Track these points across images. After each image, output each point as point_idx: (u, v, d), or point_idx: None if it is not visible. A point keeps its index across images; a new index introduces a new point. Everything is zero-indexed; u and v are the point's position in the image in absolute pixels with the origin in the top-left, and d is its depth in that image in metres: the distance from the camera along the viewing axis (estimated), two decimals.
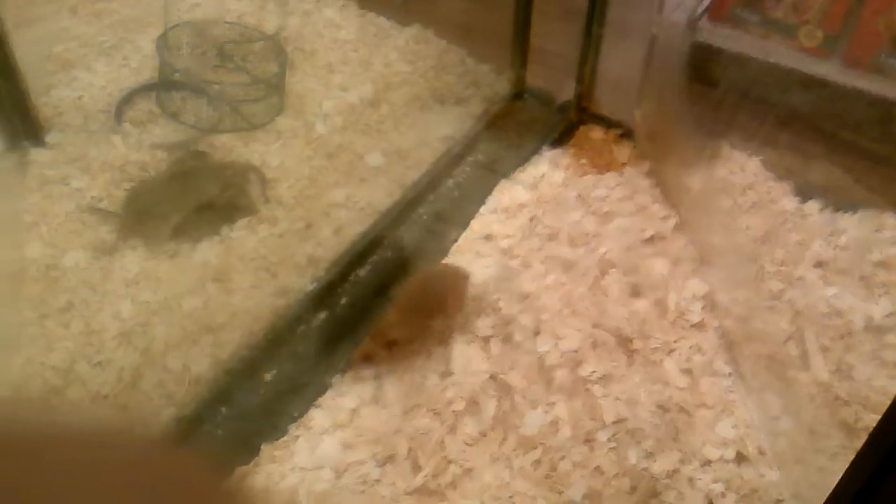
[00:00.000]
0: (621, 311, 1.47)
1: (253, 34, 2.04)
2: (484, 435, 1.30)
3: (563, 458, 1.28)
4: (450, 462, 1.26)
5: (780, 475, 1.29)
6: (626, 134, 1.87)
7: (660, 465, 1.28)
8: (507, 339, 1.43)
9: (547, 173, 1.77)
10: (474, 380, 1.36)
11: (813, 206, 1.71)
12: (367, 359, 1.33)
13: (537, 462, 1.28)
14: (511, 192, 1.72)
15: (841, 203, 1.71)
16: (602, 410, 1.33)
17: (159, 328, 1.40)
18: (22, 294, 1.43)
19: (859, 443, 0.71)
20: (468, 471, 1.26)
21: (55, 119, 1.76)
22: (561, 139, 1.87)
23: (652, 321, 1.47)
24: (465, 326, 1.44)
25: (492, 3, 2.01)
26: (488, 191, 1.74)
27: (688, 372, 1.41)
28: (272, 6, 2.08)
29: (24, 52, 1.61)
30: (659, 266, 1.56)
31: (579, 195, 1.70)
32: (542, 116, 1.94)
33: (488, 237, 1.64)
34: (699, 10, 1.80)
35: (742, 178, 1.75)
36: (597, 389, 1.37)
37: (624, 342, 1.43)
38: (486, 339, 1.43)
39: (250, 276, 1.51)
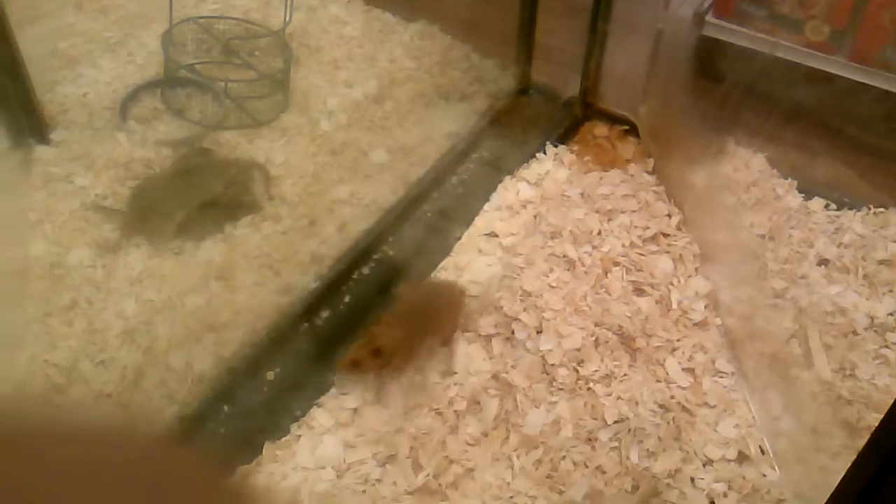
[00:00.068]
0: (624, 309, 1.47)
1: (258, 30, 2.03)
2: (485, 434, 1.31)
3: (564, 457, 1.28)
4: (451, 462, 1.27)
5: (781, 475, 1.29)
6: (631, 130, 1.87)
7: (661, 465, 1.28)
8: (509, 337, 1.43)
9: (551, 170, 1.77)
10: (476, 379, 1.37)
11: (817, 203, 1.70)
12: (355, 365, 1.31)
13: (539, 461, 1.28)
14: (515, 190, 1.72)
15: (845, 200, 1.70)
16: (604, 410, 1.34)
17: (162, 326, 1.40)
18: (26, 292, 1.44)
19: (861, 442, 0.71)
20: (469, 470, 1.26)
21: (60, 116, 1.76)
22: (565, 135, 1.87)
23: (654, 319, 1.47)
24: (467, 327, 1.44)
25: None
26: (492, 188, 1.74)
27: (690, 371, 1.41)
28: (277, 2, 2.07)
29: (30, 49, 1.62)
30: (662, 264, 1.56)
31: (583, 192, 1.70)
32: (547, 113, 1.94)
33: (492, 234, 1.64)
34: (705, 5, 1.78)
35: (746, 174, 1.75)
36: (599, 388, 1.37)
37: (626, 341, 1.43)
38: (489, 338, 1.43)
39: (254, 273, 1.52)
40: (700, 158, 1.75)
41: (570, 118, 1.90)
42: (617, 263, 1.55)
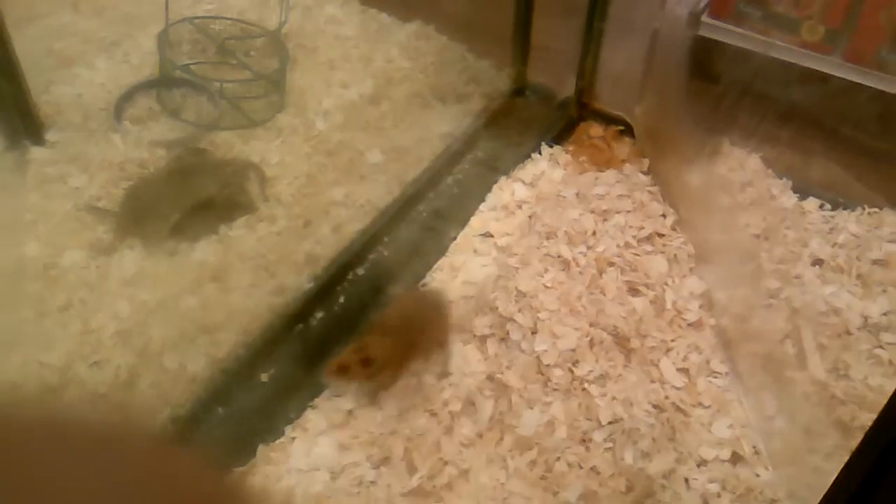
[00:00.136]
0: (619, 309, 1.47)
1: (254, 30, 2.03)
2: (480, 436, 1.31)
3: (558, 458, 1.29)
4: (446, 463, 1.27)
5: (775, 475, 1.29)
6: (626, 130, 1.87)
7: (656, 466, 1.28)
8: (504, 338, 1.43)
9: (546, 171, 1.77)
10: (471, 380, 1.37)
11: (812, 203, 1.70)
12: (343, 371, 1.30)
13: (533, 463, 1.28)
14: (510, 190, 1.72)
15: (840, 200, 1.70)
16: (598, 410, 1.34)
17: (156, 327, 1.40)
18: (20, 293, 1.44)
19: (855, 442, 0.71)
20: (464, 472, 1.26)
21: (55, 117, 1.76)
22: (561, 136, 1.87)
23: (649, 320, 1.47)
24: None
25: (493, 0, 2.01)
26: (488, 188, 1.74)
27: (684, 371, 1.41)
28: (273, 2, 2.07)
29: (25, 49, 1.61)
30: (657, 264, 1.56)
31: (578, 193, 1.70)
32: (543, 113, 1.94)
33: (487, 235, 1.64)
34: (701, 5, 1.78)
35: (741, 175, 1.75)
36: (593, 389, 1.37)
37: (621, 341, 1.43)
38: (484, 339, 1.43)
39: (248, 274, 1.52)
40: (695, 159, 1.75)
41: (566, 118, 1.90)
42: (612, 264, 1.55)
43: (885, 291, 1.52)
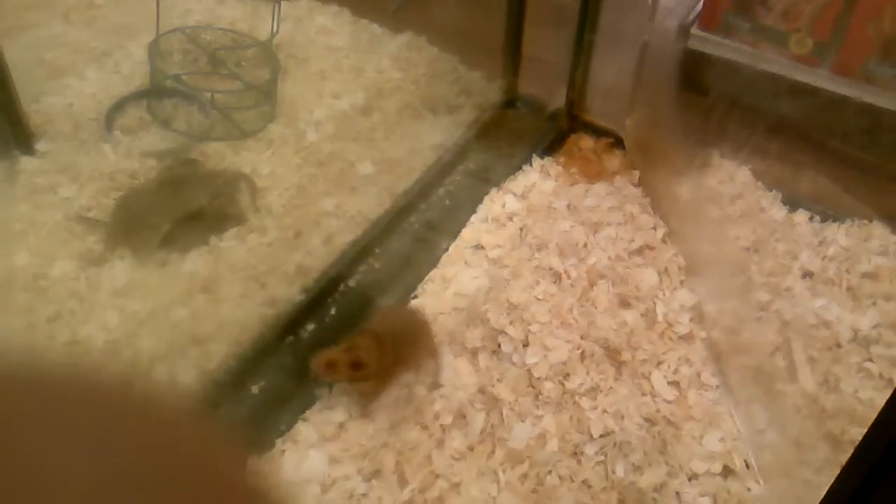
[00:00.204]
0: (610, 322, 1.47)
1: (245, 41, 2.03)
2: (471, 449, 1.30)
3: (550, 471, 1.28)
4: (437, 476, 1.26)
5: (766, 488, 1.29)
6: (617, 143, 1.87)
7: (647, 479, 1.28)
8: (495, 350, 1.43)
9: (537, 182, 1.77)
10: (462, 393, 1.37)
11: (802, 215, 1.71)
12: (330, 367, 1.28)
13: (524, 476, 1.28)
14: (501, 202, 1.73)
15: (829, 213, 1.71)
16: (590, 423, 1.34)
17: (146, 339, 1.40)
18: (9, 303, 1.43)
19: (845, 456, 0.72)
20: (455, 485, 1.26)
21: (45, 126, 1.76)
22: (552, 148, 1.87)
23: (640, 332, 1.47)
24: (453, 341, 1.44)
25: (484, 11, 2.01)
26: (479, 200, 1.74)
27: (675, 384, 1.41)
28: (264, 13, 2.07)
29: (15, 59, 1.61)
30: (647, 276, 1.56)
31: (569, 205, 1.70)
32: (534, 125, 1.94)
33: (478, 247, 1.64)
34: (690, 18, 1.80)
35: (731, 187, 1.76)
36: (585, 402, 1.37)
37: (612, 354, 1.43)
38: (475, 352, 1.43)
39: (239, 285, 1.51)
40: (685, 171, 1.76)
41: (557, 130, 1.91)
42: (603, 276, 1.55)
43: (874, 304, 1.53)
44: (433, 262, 1.61)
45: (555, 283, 1.54)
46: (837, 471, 0.74)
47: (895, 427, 0.70)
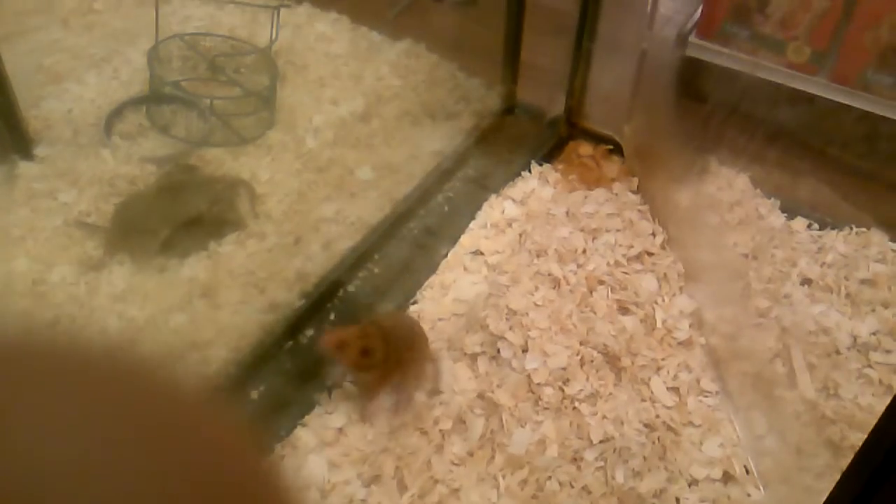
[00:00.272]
0: (609, 328, 1.48)
1: (244, 47, 2.04)
2: (471, 454, 1.30)
3: (550, 477, 1.28)
4: (436, 482, 1.26)
5: (766, 494, 1.29)
6: (616, 149, 1.88)
7: (647, 485, 1.28)
8: (494, 356, 1.43)
9: (536, 189, 1.77)
10: (462, 398, 1.36)
11: (800, 223, 1.71)
12: (341, 347, 1.28)
13: (524, 481, 1.28)
14: (500, 208, 1.73)
15: (828, 220, 1.71)
16: (589, 429, 1.34)
17: (145, 344, 1.39)
18: (8, 308, 1.43)
19: (845, 462, 0.72)
20: (455, 490, 1.26)
21: (45, 132, 1.76)
22: (550, 154, 1.88)
23: (639, 338, 1.47)
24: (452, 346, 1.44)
25: (483, 19, 2.02)
26: (478, 206, 1.74)
27: (675, 390, 1.41)
28: (264, 20, 2.08)
29: (15, 64, 1.61)
30: (647, 283, 1.56)
31: (568, 211, 1.70)
32: (532, 131, 1.94)
33: (477, 253, 1.64)
34: (688, 26, 1.80)
35: (730, 194, 1.76)
36: (584, 408, 1.37)
37: (612, 360, 1.43)
38: (474, 357, 1.43)
39: (238, 291, 1.51)
40: (684, 178, 1.76)
41: (555, 137, 1.91)
42: (602, 282, 1.55)
43: (873, 311, 1.53)
44: (432, 268, 1.61)
45: (554, 288, 1.54)
46: (837, 477, 0.74)
47: (895, 433, 0.70)
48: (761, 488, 1.30)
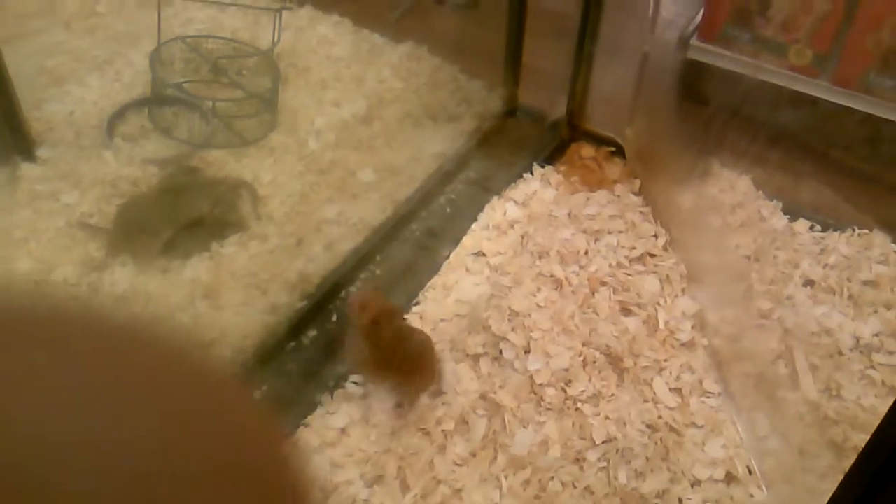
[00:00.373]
0: (611, 329, 1.47)
1: (246, 49, 2.04)
2: (474, 455, 1.30)
3: (552, 478, 1.28)
4: (439, 482, 1.26)
5: (769, 495, 1.29)
6: (617, 151, 1.88)
7: (650, 486, 1.28)
8: (497, 357, 1.43)
9: (538, 190, 1.77)
10: (464, 399, 1.36)
11: (802, 224, 1.71)
12: (363, 307, 1.31)
13: (527, 482, 1.28)
14: (502, 210, 1.73)
15: (830, 222, 1.71)
16: (592, 430, 1.34)
17: None
18: None
19: (848, 463, 0.72)
20: (457, 491, 1.26)
21: (47, 134, 1.76)
22: (552, 156, 1.88)
23: (642, 339, 1.47)
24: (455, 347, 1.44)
25: (485, 21, 2.02)
26: (480, 208, 1.74)
27: (677, 391, 1.41)
28: (266, 22, 2.08)
29: (17, 66, 1.61)
30: (649, 284, 1.56)
31: (570, 213, 1.70)
32: (534, 134, 1.95)
33: (479, 254, 1.64)
34: (690, 29, 1.81)
35: (732, 196, 1.76)
36: (587, 408, 1.37)
37: (614, 361, 1.43)
38: (477, 358, 1.43)
39: (240, 292, 1.51)
40: (686, 180, 1.76)
41: (557, 139, 1.91)
42: (604, 283, 1.55)
43: (876, 312, 1.53)
44: (434, 270, 1.61)
45: (556, 290, 1.54)
46: (840, 477, 0.74)
47: None
48: (764, 489, 1.30)
